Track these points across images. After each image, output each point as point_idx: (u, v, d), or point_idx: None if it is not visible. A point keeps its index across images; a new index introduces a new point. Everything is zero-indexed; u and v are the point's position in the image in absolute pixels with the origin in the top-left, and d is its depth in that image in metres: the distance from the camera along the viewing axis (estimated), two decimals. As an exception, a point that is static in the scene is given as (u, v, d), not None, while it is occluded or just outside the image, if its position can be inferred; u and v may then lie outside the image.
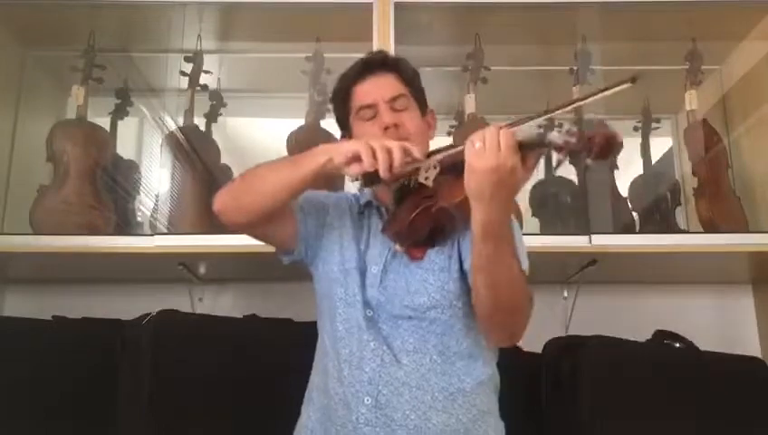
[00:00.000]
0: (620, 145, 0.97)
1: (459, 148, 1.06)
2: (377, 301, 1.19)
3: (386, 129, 1.21)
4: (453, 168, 1.11)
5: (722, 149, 2.09)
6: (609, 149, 0.96)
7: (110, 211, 1.98)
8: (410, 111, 1.26)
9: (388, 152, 1.07)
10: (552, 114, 1.08)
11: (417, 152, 1.09)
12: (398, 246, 1.20)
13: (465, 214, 1.07)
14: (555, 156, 1.00)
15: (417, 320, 1.17)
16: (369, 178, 1.11)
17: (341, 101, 1.29)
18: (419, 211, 1.13)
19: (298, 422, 1.26)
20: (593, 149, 0.96)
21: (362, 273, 1.22)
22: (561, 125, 2.13)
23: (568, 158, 0.99)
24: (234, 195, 1.22)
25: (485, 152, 0.97)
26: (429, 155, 1.15)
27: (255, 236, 1.28)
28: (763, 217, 2.03)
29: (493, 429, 1.19)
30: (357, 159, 1.09)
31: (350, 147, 1.11)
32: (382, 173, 1.07)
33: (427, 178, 1.14)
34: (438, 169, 1.14)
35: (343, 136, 1.33)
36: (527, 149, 1.01)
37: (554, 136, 0.98)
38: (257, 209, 1.19)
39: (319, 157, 1.13)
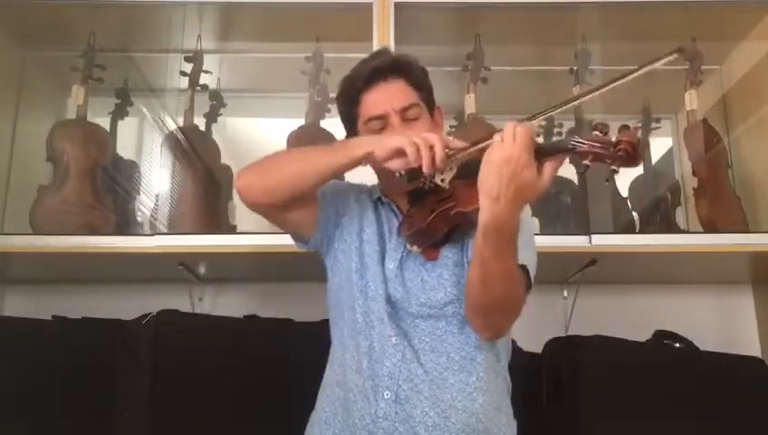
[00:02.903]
0: (644, 149, 0.96)
1: (481, 145, 1.06)
2: (395, 298, 1.18)
3: None
4: (470, 170, 1.10)
5: (722, 149, 2.09)
6: (634, 155, 0.94)
7: (110, 211, 1.98)
8: (422, 120, 1.23)
9: (431, 148, 1.07)
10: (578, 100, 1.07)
11: (457, 143, 1.11)
12: (415, 248, 1.20)
13: None
14: (581, 162, 0.98)
15: (435, 319, 1.16)
16: (413, 174, 1.11)
17: (348, 107, 1.26)
18: (437, 214, 1.14)
19: (312, 414, 1.24)
20: (619, 156, 0.94)
21: (383, 266, 1.22)
22: (560, 125, 2.13)
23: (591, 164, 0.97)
24: (261, 174, 1.20)
25: (502, 144, 0.97)
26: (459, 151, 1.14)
27: (272, 220, 1.27)
28: (763, 217, 2.03)
29: (504, 425, 1.19)
30: (400, 153, 1.09)
31: (393, 142, 1.10)
32: (426, 168, 1.07)
33: (443, 181, 1.13)
34: (455, 171, 1.14)
35: (348, 138, 1.31)
36: (548, 154, 0.99)
37: (578, 142, 0.97)
38: (283, 192, 1.18)
39: (358, 149, 1.13)
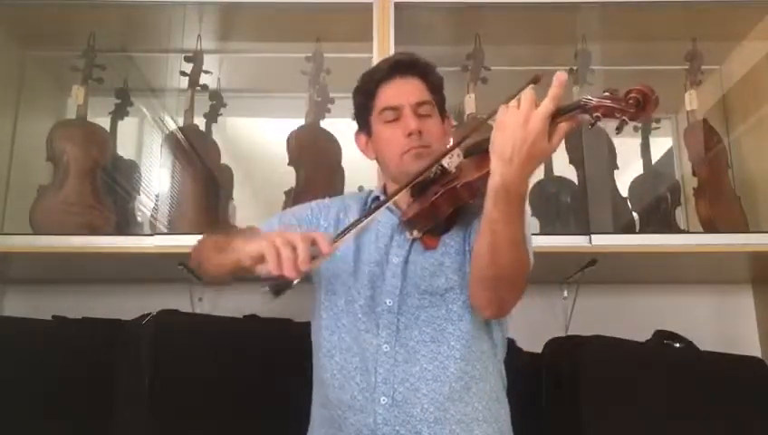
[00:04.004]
0: (657, 100, 0.96)
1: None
2: (399, 291, 1.19)
3: (409, 134, 1.21)
4: (477, 150, 1.12)
5: (722, 150, 2.09)
6: (646, 103, 0.95)
7: (110, 211, 1.98)
8: (433, 118, 1.26)
9: (293, 249, 0.98)
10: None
11: (323, 241, 1.00)
12: (415, 233, 1.20)
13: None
14: (592, 116, 0.98)
15: (436, 308, 1.17)
16: (278, 286, 1.00)
17: (364, 99, 1.29)
18: (441, 193, 1.14)
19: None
20: (630, 104, 0.95)
21: (362, 273, 1.22)
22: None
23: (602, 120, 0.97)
24: (193, 262, 1.28)
25: (519, 109, 0.96)
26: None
27: None
28: (762, 217, 2.03)
29: (503, 415, 1.20)
30: (262, 259, 1.01)
31: (255, 247, 1.03)
32: (288, 274, 0.97)
33: (449, 164, 1.15)
34: (462, 156, 1.16)
35: (360, 132, 1.33)
36: (560, 114, 0.99)
37: (588, 99, 0.97)
38: (214, 277, 1.23)
39: (231, 255, 1.10)
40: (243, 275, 1.11)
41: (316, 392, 1.24)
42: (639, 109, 0.95)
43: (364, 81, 1.30)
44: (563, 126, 0.99)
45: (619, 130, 1.00)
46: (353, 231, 1.09)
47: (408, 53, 1.35)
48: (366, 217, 1.11)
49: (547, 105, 0.96)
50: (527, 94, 0.97)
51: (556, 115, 0.98)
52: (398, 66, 1.26)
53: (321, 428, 1.20)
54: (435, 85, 1.29)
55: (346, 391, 1.16)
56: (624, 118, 0.97)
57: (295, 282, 0.99)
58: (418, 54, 1.31)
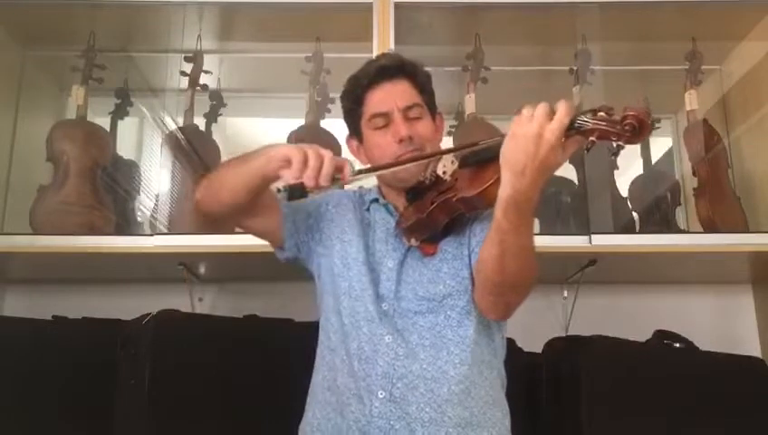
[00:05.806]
0: (653, 124, 0.95)
1: (482, 145, 1.08)
2: (394, 295, 1.19)
3: (400, 141, 1.21)
4: (473, 160, 1.12)
5: (722, 149, 2.09)
6: (641, 130, 0.94)
7: (110, 211, 1.98)
8: (424, 119, 1.25)
9: (320, 163, 1.04)
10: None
11: (347, 172, 1.06)
12: (413, 241, 1.20)
13: (486, 202, 1.06)
14: (587, 139, 0.97)
15: (434, 314, 1.17)
16: (294, 190, 1.04)
17: (353, 105, 1.28)
18: (438, 204, 1.14)
19: (302, 422, 1.24)
20: (626, 130, 0.94)
21: (372, 267, 1.22)
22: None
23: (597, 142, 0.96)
24: (207, 185, 1.25)
25: (533, 119, 0.95)
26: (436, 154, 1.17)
27: (244, 230, 1.32)
28: (762, 217, 2.03)
29: (501, 418, 1.19)
30: (289, 164, 1.06)
31: (283, 150, 1.08)
32: (308, 182, 1.03)
33: (444, 173, 1.15)
34: (457, 163, 1.16)
35: (351, 137, 1.32)
36: (572, 128, 0.98)
37: (584, 120, 0.96)
38: (224, 202, 1.21)
39: (260, 158, 1.12)
40: (257, 192, 1.16)
41: (323, 376, 1.22)
42: (635, 134, 0.94)
43: (351, 85, 1.28)
44: (577, 138, 0.98)
45: (615, 154, 1.00)
46: (375, 172, 1.20)
47: (393, 54, 1.35)
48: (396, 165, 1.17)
49: (562, 120, 0.95)
50: (542, 105, 0.96)
51: (568, 128, 0.97)
52: (385, 70, 1.25)
53: (323, 410, 1.19)
54: (423, 84, 1.28)
55: (354, 378, 1.15)
56: (620, 142, 0.96)
57: (310, 194, 1.05)
58: (402, 55, 1.31)
